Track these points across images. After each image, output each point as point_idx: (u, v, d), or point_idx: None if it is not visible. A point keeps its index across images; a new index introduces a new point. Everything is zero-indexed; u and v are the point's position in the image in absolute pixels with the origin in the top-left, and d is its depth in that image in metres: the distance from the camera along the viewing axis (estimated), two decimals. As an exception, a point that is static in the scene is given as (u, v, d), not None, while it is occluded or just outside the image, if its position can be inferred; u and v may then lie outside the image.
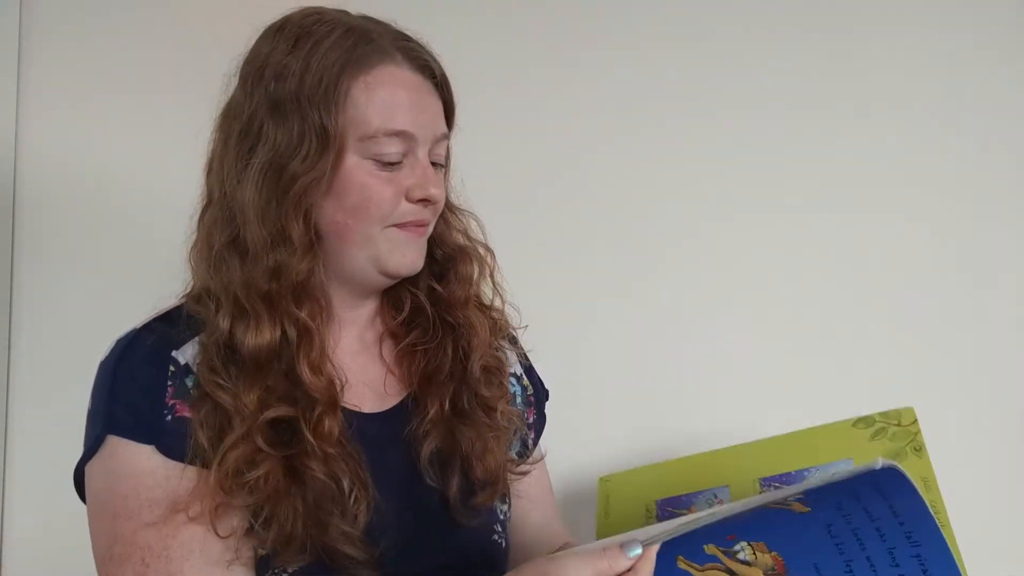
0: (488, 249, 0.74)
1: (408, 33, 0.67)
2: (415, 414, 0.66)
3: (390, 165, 0.62)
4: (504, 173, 1.10)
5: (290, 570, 0.58)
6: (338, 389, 0.62)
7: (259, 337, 0.58)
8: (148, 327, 0.62)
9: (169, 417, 0.58)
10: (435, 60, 0.67)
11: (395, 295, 0.72)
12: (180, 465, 0.57)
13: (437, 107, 0.66)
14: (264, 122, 0.61)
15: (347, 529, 0.57)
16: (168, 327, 0.62)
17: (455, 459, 0.65)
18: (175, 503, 0.56)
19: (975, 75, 1.13)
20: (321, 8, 0.65)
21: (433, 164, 0.66)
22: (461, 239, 0.73)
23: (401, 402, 0.69)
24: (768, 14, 1.14)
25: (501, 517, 0.72)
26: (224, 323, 0.59)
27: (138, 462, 0.57)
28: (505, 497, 0.73)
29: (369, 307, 0.70)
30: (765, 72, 1.14)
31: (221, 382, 0.58)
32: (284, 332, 0.59)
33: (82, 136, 1.08)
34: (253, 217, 0.60)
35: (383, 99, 0.62)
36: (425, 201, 0.64)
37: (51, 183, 1.07)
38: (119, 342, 0.61)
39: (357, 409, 0.66)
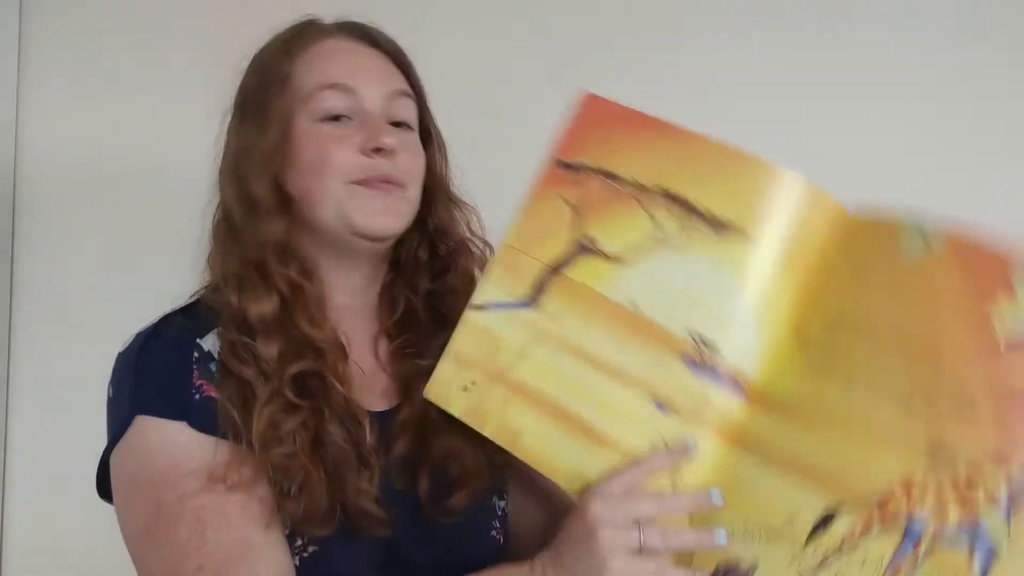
0: (486, 243, 0.73)
1: (370, 25, 0.70)
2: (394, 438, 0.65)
3: (337, 121, 0.65)
4: (499, 167, 1.11)
5: (309, 549, 0.59)
6: (345, 343, 0.65)
7: (260, 305, 0.61)
8: (167, 320, 0.64)
9: (198, 396, 0.59)
10: (386, 37, 0.70)
11: (393, 294, 0.72)
12: (212, 439, 0.58)
13: (383, 67, 0.68)
14: (236, 121, 0.68)
15: (364, 487, 0.59)
16: (188, 319, 0.64)
17: (425, 464, 0.64)
18: (213, 474, 0.57)
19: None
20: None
21: (397, 124, 0.67)
22: (466, 232, 0.73)
23: (389, 412, 0.68)
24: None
25: (499, 513, 0.71)
26: (235, 301, 0.62)
27: (171, 438, 0.58)
28: (503, 494, 0.72)
29: (362, 275, 0.70)
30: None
31: (243, 356, 0.60)
32: (281, 295, 0.62)
33: (83, 133, 1.07)
34: (231, 196, 0.65)
35: (318, 62, 0.66)
36: (379, 151, 0.64)
37: (51, 181, 1.07)
38: (139, 334, 0.63)
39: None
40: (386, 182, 0.65)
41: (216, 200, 0.68)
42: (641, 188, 0.57)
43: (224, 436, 0.58)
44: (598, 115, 0.60)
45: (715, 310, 0.54)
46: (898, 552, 0.44)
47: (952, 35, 1.07)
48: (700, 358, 0.54)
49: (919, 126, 1.05)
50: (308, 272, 0.64)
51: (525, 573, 0.54)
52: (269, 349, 0.60)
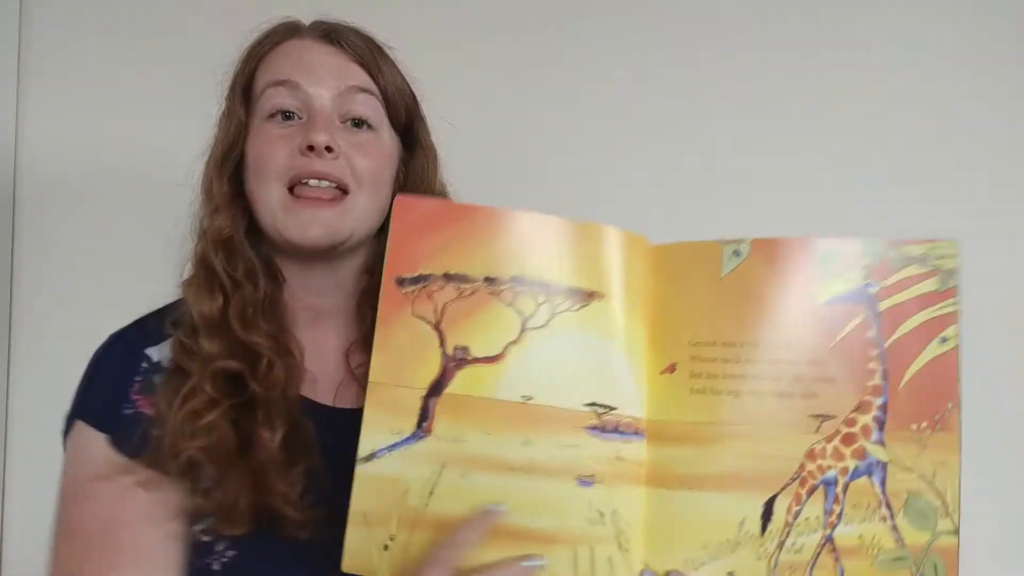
0: None
1: (346, 24, 0.69)
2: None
3: (284, 119, 0.64)
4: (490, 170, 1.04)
5: (228, 554, 0.59)
6: (294, 349, 0.65)
7: (202, 304, 0.62)
8: (138, 322, 0.66)
9: (129, 411, 0.61)
10: (355, 35, 0.68)
11: (362, 305, 0.69)
12: (125, 462, 0.59)
13: (340, 63, 0.66)
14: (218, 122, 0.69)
15: (286, 490, 0.59)
16: (157, 322, 0.65)
17: None
18: (119, 480, 0.58)
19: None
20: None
21: (356, 123, 0.66)
22: None
23: (355, 410, 0.60)
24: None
25: None
26: (190, 299, 0.63)
27: (91, 448, 0.60)
28: None
29: (342, 304, 0.70)
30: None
31: (192, 352, 0.61)
32: (224, 294, 0.63)
33: (83, 133, 1.08)
34: (199, 193, 0.67)
35: (273, 64, 0.66)
36: (313, 150, 0.62)
37: (51, 181, 1.08)
38: (110, 336, 0.65)
39: (306, 394, 0.66)
40: (319, 191, 0.63)
41: None
42: (492, 281, 0.56)
43: (141, 452, 0.59)
44: (416, 218, 0.57)
45: (601, 375, 0.57)
46: (826, 503, 0.55)
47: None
48: (602, 423, 0.56)
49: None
50: (253, 273, 0.65)
51: None
52: (206, 347, 0.61)
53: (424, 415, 0.54)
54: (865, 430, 0.55)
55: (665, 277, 0.60)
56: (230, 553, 0.59)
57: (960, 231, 0.56)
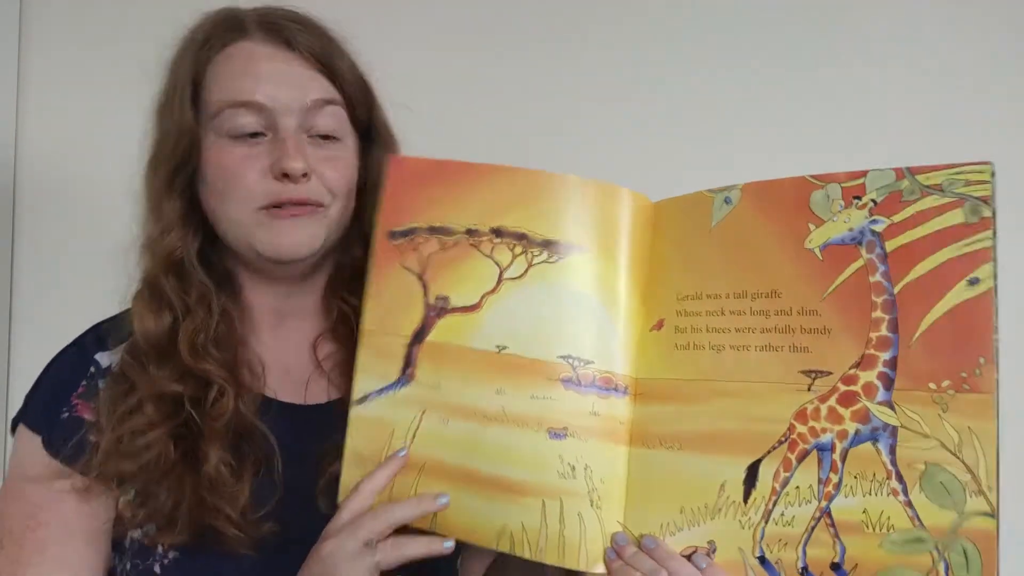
0: None
1: (288, 10, 0.65)
2: (334, 428, 0.61)
3: (249, 139, 0.60)
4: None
5: (170, 555, 0.59)
6: (249, 370, 0.63)
7: (146, 322, 0.61)
8: (97, 326, 0.65)
9: (66, 414, 0.60)
10: (310, 31, 0.64)
11: (328, 297, 0.68)
12: (58, 466, 0.59)
13: (302, 74, 0.62)
14: (151, 131, 0.66)
15: (229, 511, 0.57)
16: (112, 328, 0.64)
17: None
18: (43, 493, 0.59)
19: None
20: (206, 11, 0.66)
21: (324, 137, 0.63)
22: None
23: (324, 405, 0.66)
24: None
25: None
26: (135, 313, 0.62)
27: (27, 449, 0.61)
28: None
29: (306, 300, 0.69)
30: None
31: (132, 362, 0.61)
32: (173, 315, 0.61)
33: (83, 133, 1.07)
34: (147, 213, 0.64)
35: (228, 74, 0.61)
36: (287, 177, 0.60)
37: (51, 181, 1.08)
38: (59, 352, 0.65)
39: (273, 396, 0.65)
40: (299, 204, 0.61)
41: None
42: (473, 233, 0.57)
43: (76, 458, 0.58)
44: (408, 175, 0.60)
45: (577, 327, 0.55)
46: (820, 471, 0.48)
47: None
48: (576, 376, 0.55)
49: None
50: (206, 296, 0.62)
51: None
52: (152, 369, 0.60)
53: (408, 362, 0.57)
54: (868, 389, 0.47)
55: (661, 233, 0.57)
56: (172, 555, 0.59)
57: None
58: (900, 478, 0.46)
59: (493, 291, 0.56)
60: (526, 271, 0.56)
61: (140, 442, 0.57)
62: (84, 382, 0.61)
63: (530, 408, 0.54)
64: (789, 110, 1.04)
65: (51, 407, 0.61)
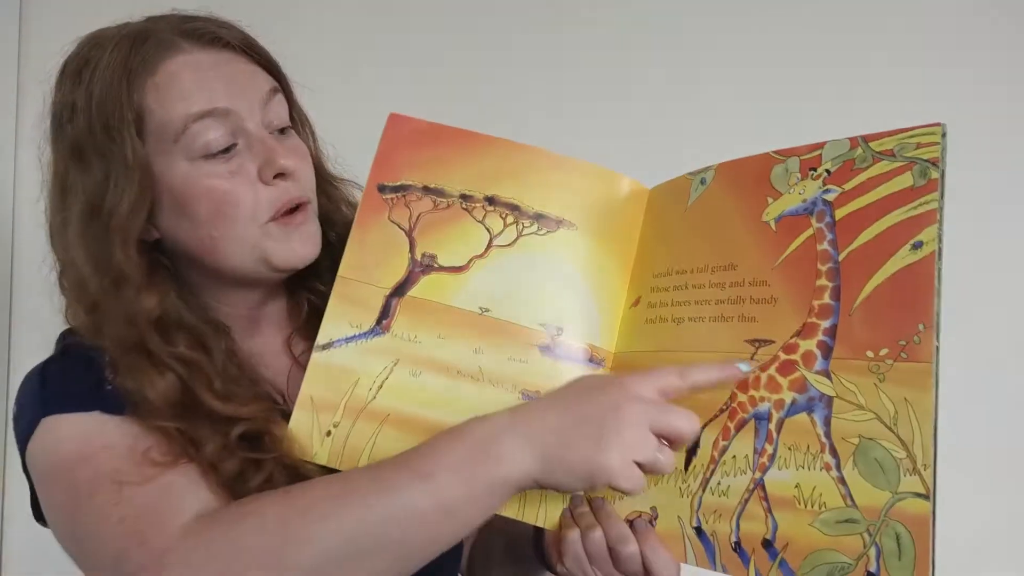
0: None
1: (192, 12, 0.62)
2: None
3: (223, 154, 0.57)
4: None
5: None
6: (275, 400, 0.62)
7: (155, 387, 0.55)
8: (52, 358, 0.60)
9: (110, 387, 0.55)
10: (230, 27, 0.62)
11: (295, 293, 0.68)
12: (128, 419, 0.54)
13: (247, 71, 0.60)
14: (70, 171, 0.58)
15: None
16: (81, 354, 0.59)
17: None
18: (132, 447, 0.52)
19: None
20: (98, 30, 0.61)
21: (281, 131, 0.61)
22: (348, 210, 0.68)
23: None
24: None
25: None
26: (131, 386, 0.55)
27: (82, 426, 0.54)
28: None
29: (278, 303, 0.68)
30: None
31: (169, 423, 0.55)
32: (176, 373, 0.56)
33: None
34: (91, 272, 0.56)
35: (176, 90, 0.56)
36: (281, 176, 0.59)
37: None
38: (32, 370, 0.59)
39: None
40: (296, 208, 0.60)
41: (58, 260, 0.60)
42: (467, 198, 0.60)
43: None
44: (406, 134, 0.62)
45: (558, 299, 0.58)
46: (756, 441, 0.47)
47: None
48: (553, 343, 0.57)
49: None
50: (198, 341, 0.58)
51: (504, 418, 0.49)
52: (194, 433, 0.54)
53: (385, 313, 0.59)
54: (807, 357, 0.45)
55: (648, 217, 0.59)
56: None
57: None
58: (834, 451, 0.43)
59: (482, 256, 0.59)
60: (515, 240, 0.59)
61: (256, 480, 0.54)
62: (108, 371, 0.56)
63: (507, 369, 0.57)
64: (790, 108, 1.02)
65: (90, 389, 0.55)
